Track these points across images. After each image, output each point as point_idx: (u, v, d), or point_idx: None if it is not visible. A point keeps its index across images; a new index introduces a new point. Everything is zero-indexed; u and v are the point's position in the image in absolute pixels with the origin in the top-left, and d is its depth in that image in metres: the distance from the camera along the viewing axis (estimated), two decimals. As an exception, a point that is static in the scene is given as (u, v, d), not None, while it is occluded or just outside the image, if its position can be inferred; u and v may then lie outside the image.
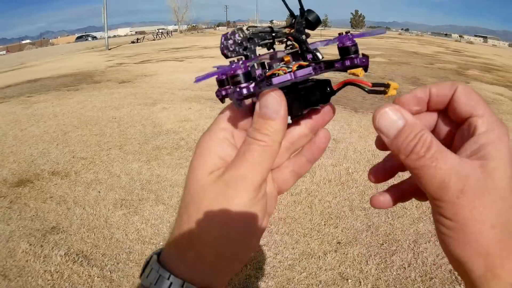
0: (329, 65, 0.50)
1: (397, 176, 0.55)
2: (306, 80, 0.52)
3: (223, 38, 0.51)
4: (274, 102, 0.47)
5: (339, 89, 0.53)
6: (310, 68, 0.50)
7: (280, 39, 0.55)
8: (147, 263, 0.51)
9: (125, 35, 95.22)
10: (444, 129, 0.52)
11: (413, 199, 0.59)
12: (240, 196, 0.46)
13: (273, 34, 0.54)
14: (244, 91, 0.46)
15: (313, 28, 0.54)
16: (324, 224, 3.68)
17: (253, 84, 0.47)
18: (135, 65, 16.52)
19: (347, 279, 2.94)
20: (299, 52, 0.54)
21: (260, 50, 0.54)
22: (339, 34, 0.50)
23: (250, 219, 0.48)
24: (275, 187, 0.56)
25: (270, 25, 0.58)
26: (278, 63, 0.53)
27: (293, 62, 0.53)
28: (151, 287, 0.48)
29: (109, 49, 28.97)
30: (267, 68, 0.53)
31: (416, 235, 3.46)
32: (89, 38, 79.96)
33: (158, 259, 0.50)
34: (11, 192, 4.38)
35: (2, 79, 14.13)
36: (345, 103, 8.07)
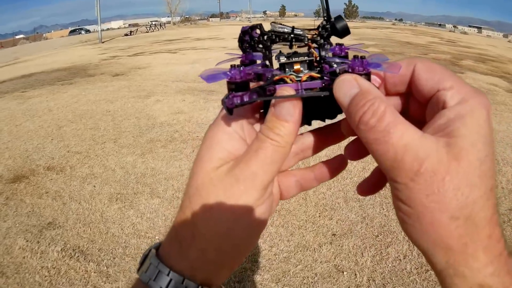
0: None
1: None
2: (324, 88, 0.49)
3: (241, 31, 0.51)
4: (289, 104, 0.45)
5: None
6: (320, 82, 0.48)
7: (299, 43, 0.53)
8: (145, 257, 0.51)
9: (118, 28, 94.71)
10: (417, 110, 0.49)
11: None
12: (249, 193, 0.46)
13: (292, 36, 0.52)
14: (236, 100, 0.45)
15: (340, 37, 0.52)
16: (319, 216, 3.69)
17: (248, 94, 0.45)
18: (129, 57, 16.48)
19: (343, 272, 2.96)
20: (316, 60, 0.52)
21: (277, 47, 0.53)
22: (354, 57, 0.47)
23: (255, 217, 0.47)
24: (278, 190, 0.55)
25: (293, 25, 0.54)
26: (289, 70, 0.51)
27: (306, 71, 0.51)
28: (150, 283, 0.47)
29: (103, 42, 28.85)
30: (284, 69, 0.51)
31: None
32: (83, 32, 79.62)
33: (157, 253, 0.50)
34: (7, 188, 4.39)
35: (-4, 74, 14.03)
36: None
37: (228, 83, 0.45)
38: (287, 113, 0.45)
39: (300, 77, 0.50)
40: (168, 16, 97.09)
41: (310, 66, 0.52)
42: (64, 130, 6.31)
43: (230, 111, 0.45)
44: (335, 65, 0.50)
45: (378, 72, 0.48)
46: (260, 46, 0.51)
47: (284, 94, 0.45)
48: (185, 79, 9.91)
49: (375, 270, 2.96)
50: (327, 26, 0.52)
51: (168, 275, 0.46)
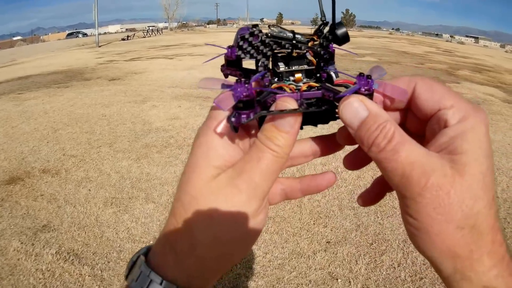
0: (339, 99, 0.47)
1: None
2: (324, 100, 0.49)
3: (239, 37, 0.50)
4: (290, 115, 0.45)
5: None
6: (320, 92, 0.49)
7: (299, 50, 0.52)
8: (133, 264, 0.50)
9: (115, 32, 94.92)
10: (414, 124, 0.51)
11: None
12: (251, 203, 0.46)
13: (294, 42, 0.51)
14: (244, 119, 0.44)
15: (338, 44, 0.52)
16: (314, 223, 3.70)
17: (254, 110, 0.45)
18: (125, 62, 16.50)
19: (337, 279, 2.97)
20: (314, 68, 0.53)
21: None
22: (360, 74, 0.46)
23: (254, 226, 0.47)
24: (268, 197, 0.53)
25: (293, 30, 0.53)
26: (288, 79, 0.51)
27: (305, 80, 0.52)
28: None
29: (100, 46, 28.85)
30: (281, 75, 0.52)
31: (406, 234, 3.36)
32: (80, 35, 79.72)
33: (146, 260, 0.49)
34: (2, 190, 4.37)
35: (-7, 76, 14.02)
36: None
37: (239, 101, 0.44)
38: (288, 124, 0.45)
39: (299, 86, 0.50)
40: (166, 22, 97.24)
41: (309, 74, 0.52)
42: (59, 133, 6.30)
43: (236, 129, 0.45)
44: (333, 75, 0.51)
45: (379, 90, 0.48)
46: (258, 52, 0.51)
47: (286, 105, 0.45)
48: (181, 85, 9.93)
49: (369, 278, 2.96)
50: (328, 35, 0.51)
51: (160, 284, 0.46)
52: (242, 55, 0.51)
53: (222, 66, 0.54)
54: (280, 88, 0.49)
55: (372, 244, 3.37)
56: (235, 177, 0.46)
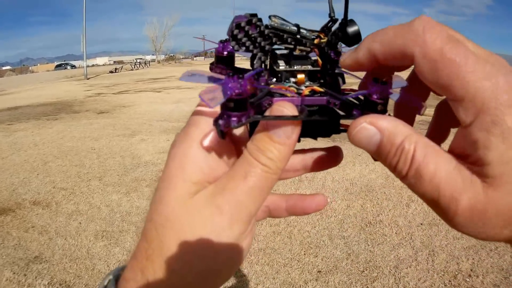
0: (346, 109, 0.41)
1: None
2: (328, 110, 0.43)
3: (234, 25, 0.42)
4: (287, 123, 0.38)
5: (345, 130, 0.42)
6: (325, 99, 0.42)
7: (303, 47, 0.46)
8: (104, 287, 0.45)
9: (103, 64, 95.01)
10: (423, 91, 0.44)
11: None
12: (234, 227, 0.40)
13: (298, 37, 0.46)
14: (234, 122, 0.37)
15: (348, 44, 0.45)
16: (304, 254, 3.71)
17: (246, 114, 0.37)
18: (114, 95, 16.63)
19: (326, 308, 3.01)
20: (319, 70, 0.46)
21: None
22: (374, 79, 0.38)
23: (238, 252, 0.42)
24: None
25: (298, 24, 0.46)
26: (288, 80, 0.45)
27: (307, 83, 0.45)
28: None
29: (88, 79, 28.97)
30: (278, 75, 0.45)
31: (397, 260, 3.48)
32: (68, 67, 79.74)
33: (117, 285, 0.44)
34: (-7, 220, 4.42)
35: (-19, 106, 14.04)
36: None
37: (226, 100, 0.37)
38: (284, 133, 0.39)
39: (301, 89, 0.44)
40: (153, 54, 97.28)
41: (312, 76, 0.46)
42: (49, 165, 6.37)
43: (224, 135, 0.38)
44: (340, 80, 0.45)
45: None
46: (256, 46, 0.44)
47: (283, 110, 0.38)
48: (170, 119, 10.01)
49: (358, 306, 3.02)
50: (338, 31, 0.45)
51: None
52: (236, 47, 0.43)
53: (211, 64, 0.45)
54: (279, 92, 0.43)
55: (364, 271, 3.39)
56: (217, 195, 0.40)
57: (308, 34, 0.46)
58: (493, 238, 0.33)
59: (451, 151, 0.35)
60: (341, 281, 3.27)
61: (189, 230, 0.39)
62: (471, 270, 3.23)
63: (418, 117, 0.46)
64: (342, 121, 0.43)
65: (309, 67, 0.45)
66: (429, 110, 0.43)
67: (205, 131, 0.41)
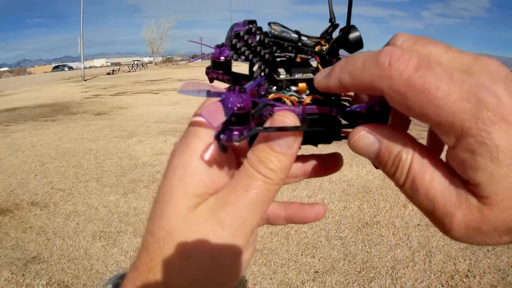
0: (349, 117, 0.41)
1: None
2: (329, 119, 0.42)
3: (233, 34, 0.42)
4: (289, 133, 0.39)
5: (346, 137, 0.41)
6: (326, 108, 0.41)
7: (303, 55, 0.46)
8: None
9: (100, 66, 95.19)
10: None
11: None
12: (236, 240, 0.40)
13: (299, 45, 0.45)
14: (236, 136, 0.37)
15: (350, 51, 0.44)
16: (301, 254, 3.71)
17: (248, 127, 0.37)
18: (111, 97, 16.58)
19: (322, 309, 3.02)
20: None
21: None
22: None
23: (239, 265, 0.42)
24: None
25: (298, 30, 0.46)
26: (289, 88, 0.44)
27: (308, 92, 0.44)
28: None
29: (85, 80, 28.95)
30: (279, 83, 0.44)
31: (394, 261, 3.48)
32: (66, 68, 79.92)
33: None
34: (-9, 221, 4.42)
35: (-21, 107, 14.02)
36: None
37: (233, 114, 0.36)
38: (286, 143, 0.39)
39: (302, 98, 0.43)
40: (150, 56, 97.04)
41: (313, 84, 0.42)
42: (47, 166, 6.37)
43: (226, 148, 0.38)
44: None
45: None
46: (255, 54, 0.43)
47: (285, 120, 0.38)
48: (167, 120, 9.98)
49: (355, 307, 3.02)
50: (340, 39, 0.44)
51: None
52: (235, 57, 0.43)
53: (208, 68, 0.47)
54: (279, 100, 0.42)
55: (361, 272, 3.39)
56: (218, 209, 0.40)
57: (308, 42, 0.46)
58: (493, 244, 0.33)
59: (448, 163, 0.34)
60: (338, 282, 3.27)
61: (192, 244, 0.39)
62: (468, 270, 3.24)
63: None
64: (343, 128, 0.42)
65: (310, 75, 0.44)
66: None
67: (205, 142, 0.41)
